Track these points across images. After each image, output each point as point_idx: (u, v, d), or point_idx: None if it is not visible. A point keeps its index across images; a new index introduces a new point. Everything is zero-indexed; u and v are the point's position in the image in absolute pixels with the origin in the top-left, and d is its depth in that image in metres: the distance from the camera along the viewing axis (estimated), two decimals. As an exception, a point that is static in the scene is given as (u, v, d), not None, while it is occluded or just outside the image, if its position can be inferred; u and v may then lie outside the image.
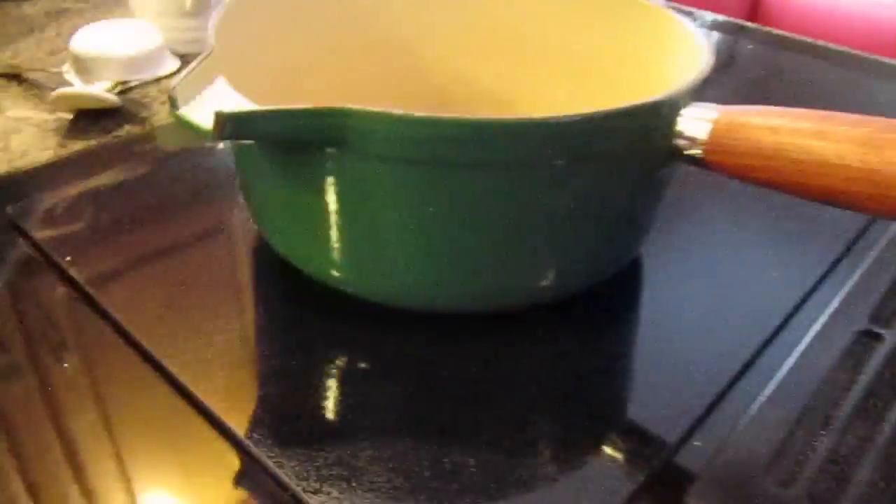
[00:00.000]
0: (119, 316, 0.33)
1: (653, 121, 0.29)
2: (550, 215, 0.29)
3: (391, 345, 0.32)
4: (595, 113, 0.27)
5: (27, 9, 0.74)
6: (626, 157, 0.29)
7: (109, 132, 0.51)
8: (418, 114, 0.26)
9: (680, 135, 0.29)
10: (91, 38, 0.58)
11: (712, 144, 0.28)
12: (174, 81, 0.28)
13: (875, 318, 0.33)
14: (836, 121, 0.26)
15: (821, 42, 0.72)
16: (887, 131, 0.24)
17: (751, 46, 0.71)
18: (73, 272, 0.35)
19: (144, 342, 0.32)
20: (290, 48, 0.41)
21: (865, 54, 0.69)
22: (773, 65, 0.68)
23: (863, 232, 0.40)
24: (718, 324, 0.34)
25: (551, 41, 0.45)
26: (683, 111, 0.29)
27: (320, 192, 0.29)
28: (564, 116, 0.26)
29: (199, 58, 0.29)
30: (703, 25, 0.75)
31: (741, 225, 0.41)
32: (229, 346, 0.32)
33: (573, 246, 0.31)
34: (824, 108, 0.27)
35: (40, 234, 0.38)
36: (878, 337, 0.32)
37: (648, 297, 0.36)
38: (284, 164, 0.30)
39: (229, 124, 0.26)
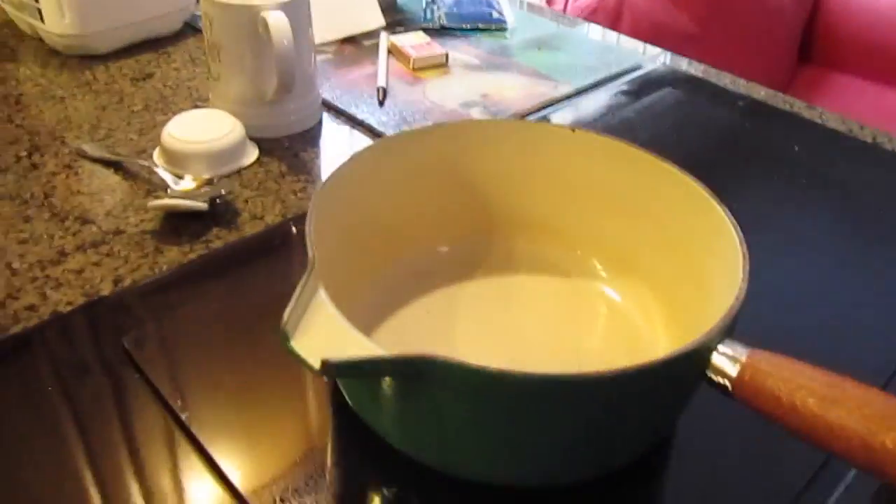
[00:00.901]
0: (227, 469, 0.39)
1: (687, 362, 0.33)
2: (595, 432, 0.35)
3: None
4: (636, 368, 0.32)
5: (114, 71, 0.80)
6: (666, 387, 0.34)
7: (200, 237, 0.57)
8: (490, 368, 0.31)
9: (713, 369, 0.34)
10: (179, 133, 0.63)
11: (738, 385, 0.33)
12: (286, 314, 0.33)
13: None
14: (848, 391, 0.30)
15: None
16: (888, 417, 0.29)
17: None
18: (184, 417, 0.42)
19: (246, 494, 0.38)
20: (370, 210, 0.47)
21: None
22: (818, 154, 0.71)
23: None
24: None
25: (603, 189, 0.49)
26: (719, 347, 0.34)
27: (406, 399, 0.35)
28: (610, 373, 0.31)
29: (304, 279, 0.35)
30: (742, 106, 0.78)
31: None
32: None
33: (615, 447, 0.36)
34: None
35: (154, 372, 0.44)
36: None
37: (676, 467, 0.41)
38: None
39: (334, 370, 0.31)
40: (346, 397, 0.41)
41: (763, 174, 0.67)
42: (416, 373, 0.32)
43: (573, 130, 0.48)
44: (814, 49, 1.96)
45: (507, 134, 0.48)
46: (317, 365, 0.31)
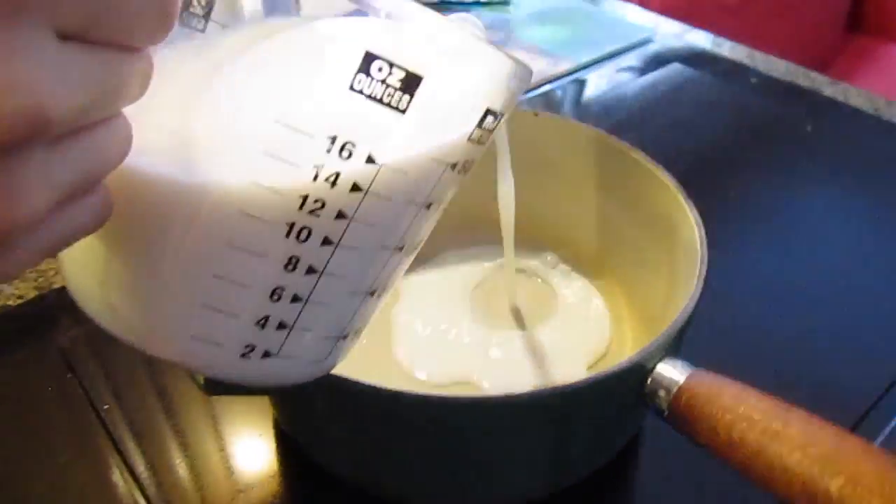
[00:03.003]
0: (143, 475, 0.37)
1: (617, 382, 0.30)
2: (537, 449, 0.32)
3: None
4: (549, 390, 0.28)
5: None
6: (601, 408, 0.31)
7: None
8: (388, 387, 0.28)
9: (649, 390, 0.30)
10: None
11: (674, 409, 0.29)
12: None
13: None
14: (793, 425, 0.26)
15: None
16: (835, 459, 0.25)
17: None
18: (107, 421, 0.40)
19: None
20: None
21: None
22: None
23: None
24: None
25: (568, 177, 0.45)
26: (657, 367, 0.30)
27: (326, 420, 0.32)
28: (521, 395, 0.28)
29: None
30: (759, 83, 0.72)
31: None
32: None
33: (563, 461, 0.33)
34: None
35: (85, 374, 0.42)
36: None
37: (643, 473, 0.37)
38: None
39: (219, 387, 0.28)
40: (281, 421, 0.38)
41: (769, 157, 0.62)
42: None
43: (536, 114, 0.44)
44: (864, 17, 1.84)
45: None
46: (201, 380, 0.29)
